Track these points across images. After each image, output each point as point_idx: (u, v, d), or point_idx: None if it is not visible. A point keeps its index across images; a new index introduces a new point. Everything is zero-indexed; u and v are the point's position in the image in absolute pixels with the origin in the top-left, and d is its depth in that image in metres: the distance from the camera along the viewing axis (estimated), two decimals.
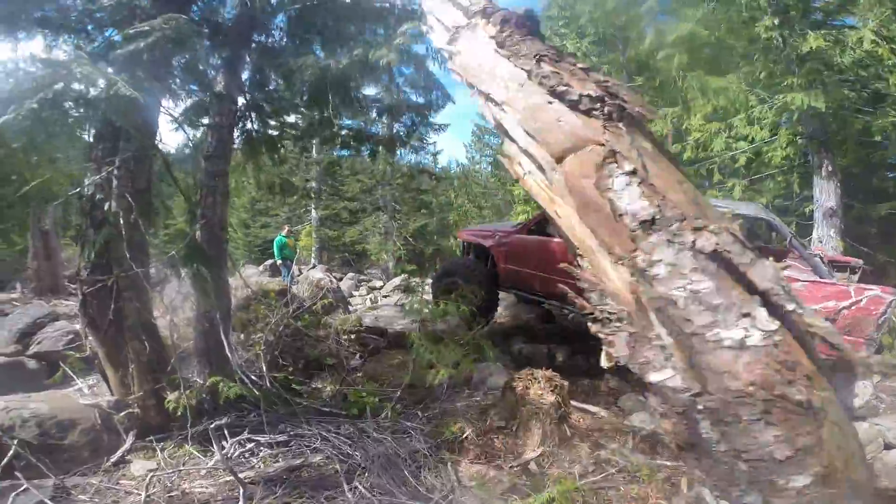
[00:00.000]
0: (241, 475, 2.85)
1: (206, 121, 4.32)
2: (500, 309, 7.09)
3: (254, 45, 4.35)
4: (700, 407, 0.98)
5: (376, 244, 20.78)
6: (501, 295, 6.77)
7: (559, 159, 1.19)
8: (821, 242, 7.86)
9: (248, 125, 4.67)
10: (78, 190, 3.36)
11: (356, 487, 2.92)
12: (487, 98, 1.37)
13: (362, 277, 18.11)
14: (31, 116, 2.63)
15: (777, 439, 0.92)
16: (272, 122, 4.88)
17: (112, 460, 3.13)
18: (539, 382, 3.81)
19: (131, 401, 3.39)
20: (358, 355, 5.73)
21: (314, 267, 15.89)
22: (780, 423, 0.92)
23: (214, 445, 3.05)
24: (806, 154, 8.70)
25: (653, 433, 4.09)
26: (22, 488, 2.64)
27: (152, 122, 3.53)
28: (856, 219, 9.02)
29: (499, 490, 3.17)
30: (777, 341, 0.95)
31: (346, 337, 5.76)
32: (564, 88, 1.19)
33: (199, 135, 4.52)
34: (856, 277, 4.08)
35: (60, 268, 8.88)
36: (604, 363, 1.15)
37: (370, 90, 5.25)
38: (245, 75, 4.40)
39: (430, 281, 8.47)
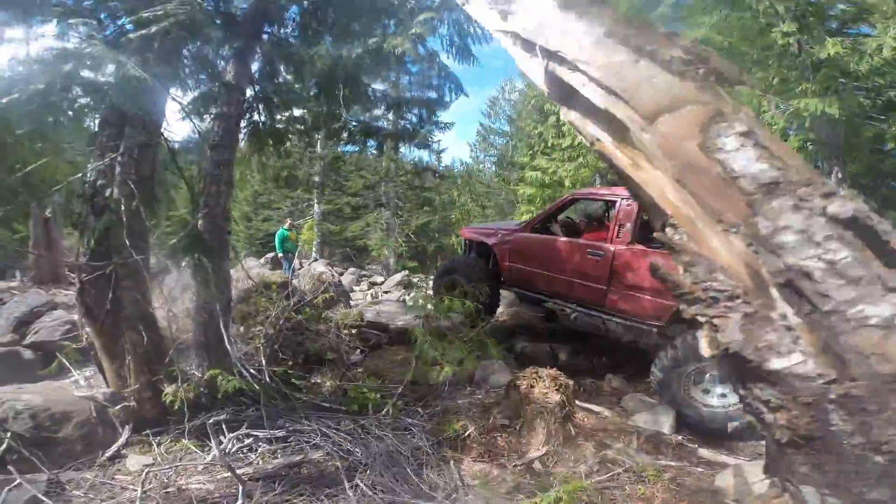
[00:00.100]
0: (239, 471, 2.78)
1: (213, 110, 4.26)
2: (500, 307, 7.03)
3: (265, 36, 4.29)
4: (832, 396, 0.87)
5: (378, 240, 20.74)
6: (502, 293, 6.70)
7: (650, 119, 1.08)
8: None
9: (256, 117, 4.61)
10: (80, 175, 3.29)
11: (357, 485, 2.85)
12: (552, 56, 1.26)
13: (363, 273, 18.10)
14: (37, 100, 2.57)
15: None
16: (280, 116, 4.83)
17: (107, 455, 3.06)
18: (544, 381, 3.74)
19: (127, 393, 3.32)
20: (359, 350, 5.67)
21: (316, 260, 15.85)
22: None
23: (212, 441, 2.98)
24: (816, 161, 8.60)
25: (656, 433, 4.06)
26: (14, 483, 2.56)
27: (160, 109, 3.46)
28: None
29: (503, 489, 3.11)
30: None
31: (346, 332, 5.70)
32: (652, 48, 1.09)
33: (205, 124, 4.46)
34: None
35: (61, 257, 8.82)
36: (706, 350, 1.00)
37: (380, 84, 5.20)
38: (255, 66, 4.34)
39: (431, 278, 8.40)
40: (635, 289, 4.71)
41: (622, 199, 4.99)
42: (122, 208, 3.15)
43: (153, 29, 2.91)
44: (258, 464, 3.07)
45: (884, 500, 0.86)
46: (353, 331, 5.77)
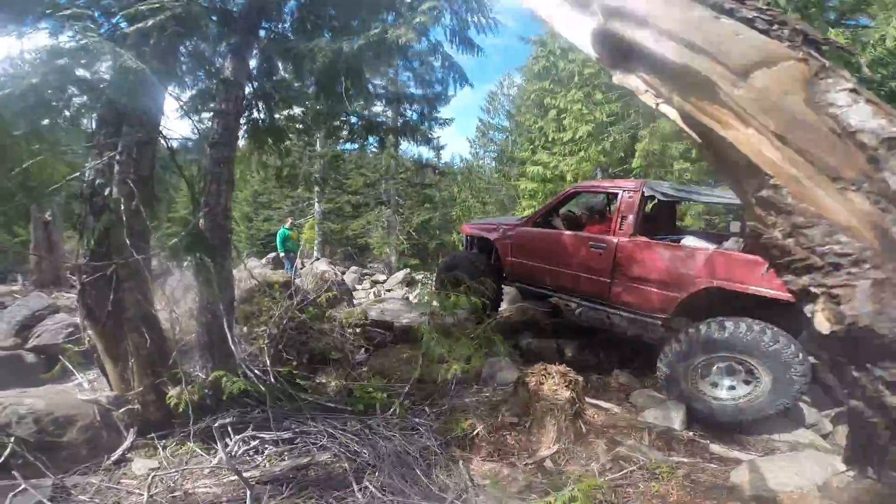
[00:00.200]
0: (246, 475, 2.73)
1: (212, 107, 4.20)
2: (503, 303, 6.98)
3: (263, 31, 4.22)
4: None
5: (379, 238, 20.70)
6: (504, 289, 6.65)
7: (743, 75, 1.02)
8: None
9: (255, 114, 4.55)
10: (77, 175, 3.24)
11: (366, 487, 2.80)
12: (612, 14, 1.19)
13: (365, 271, 18.07)
14: (31, 97, 2.52)
15: None
16: (279, 113, 4.77)
17: (112, 458, 3.01)
18: (553, 378, 3.69)
19: (131, 396, 3.27)
20: (363, 349, 5.62)
21: (318, 259, 15.82)
22: None
23: (218, 445, 2.94)
24: None
25: (667, 429, 4.02)
26: (20, 488, 2.52)
27: (158, 105, 3.41)
28: None
29: (514, 488, 3.07)
30: None
31: (351, 330, 5.65)
32: (731, 6, 1.03)
33: (204, 122, 4.41)
34: None
35: (62, 260, 8.79)
36: (823, 327, 0.88)
37: (380, 80, 5.13)
38: (253, 63, 4.29)
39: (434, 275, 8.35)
40: (639, 281, 4.67)
41: (624, 190, 4.94)
42: (122, 208, 3.09)
43: (149, 23, 2.86)
44: (265, 466, 3.03)
45: None
46: (358, 329, 5.72)
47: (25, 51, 2.74)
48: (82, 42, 2.55)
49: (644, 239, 4.71)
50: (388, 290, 13.12)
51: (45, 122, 2.97)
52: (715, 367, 4.15)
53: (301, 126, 5.17)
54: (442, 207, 23.38)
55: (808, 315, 0.94)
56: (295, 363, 4.60)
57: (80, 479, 2.80)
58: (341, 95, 4.13)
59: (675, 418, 4.15)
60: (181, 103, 3.94)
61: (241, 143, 4.62)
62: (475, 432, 3.57)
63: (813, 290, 0.91)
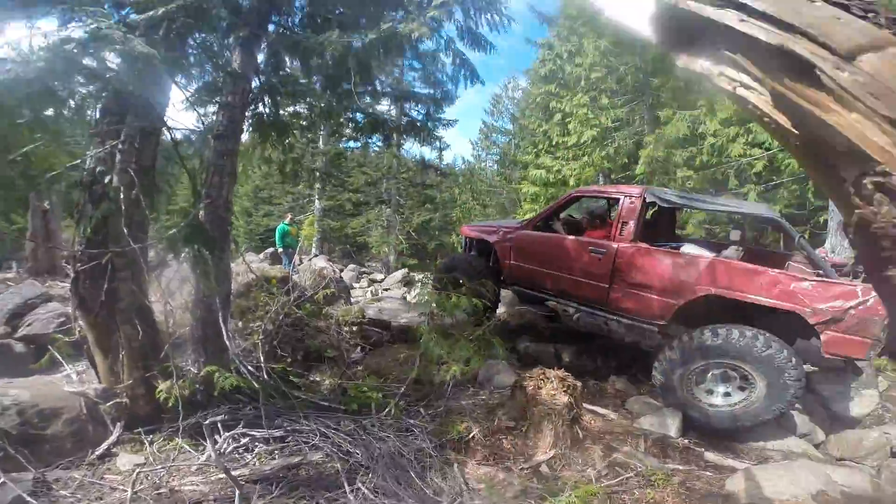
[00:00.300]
0: (235, 473, 2.66)
1: (217, 100, 4.15)
2: (500, 307, 6.91)
3: (272, 24, 4.18)
4: None
5: (378, 237, 20.63)
6: (501, 293, 6.59)
7: (849, 57, 0.98)
8: (833, 252, 7.67)
9: (261, 108, 4.50)
10: (78, 161, 3.17)
11: (358, 488, 2.73)
12: None
13: (363, 270, 18.02)
14: (37, 84, 2.45)
15: None
16: (285, 108, 4.72)
17: (97, 453, 2.93)
18: (552, 382, 3.63)
19: (120, 390, 3.19)
20: (359, 348, 5.56)
21: (316, 256, 15.76)
22: None
23: (207, 441, 2.87)
24: None
25: (663, 437, 3.98)
26: None
27: (164, 95, 3.35)
28: None
29: (509, 493, 3.01)
30: None
31: (347, 329, 5.59)
32: None
33: (210, 114, 4.36)
34: (858, 281, 4.01)
35: (58, 248, 8.70)
36: None
37: (386, 77, 5.08)
38: (261, 57, 4.24)
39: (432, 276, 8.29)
40: (638, 287, 4.64)
41: (625, 196, 4.90)
42: (122, 197, 3.03)
43: (159, 11, 2.80)
44: (255, 465, 2.95)
45: None
46: (354, 328, 5.66)
47: (32, 35, 2.68)
48: (92, 26, 2.49)
49: (644, 245, 4.67)
50: (386, 290, 13.06)
51: (50, 111, 2.91)
52: (710, 374, 4.16)
53: (305, 123, 5.11)
54: (442, 209, 23.31)
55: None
56: (289, 360, 4.54)
57: (63, 473, 2.73)
58: (349, 91, 4.07)
59: (671, 426, 4.14)
60: (187, 94, 3.89)
61: (245, 137, 4.57)
62: (471, 435, 3.51)
63: None
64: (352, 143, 15.05)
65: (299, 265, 9.96)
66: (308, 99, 4.72)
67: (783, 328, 3.93)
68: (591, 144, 13.33)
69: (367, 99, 5.11)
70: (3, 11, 2.79)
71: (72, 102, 3.01)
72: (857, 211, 0.99)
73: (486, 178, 26.93)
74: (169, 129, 3.41)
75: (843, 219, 1.03)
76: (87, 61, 2.74)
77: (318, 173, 17.67)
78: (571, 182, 13.46)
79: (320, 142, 17.45)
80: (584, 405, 4.12)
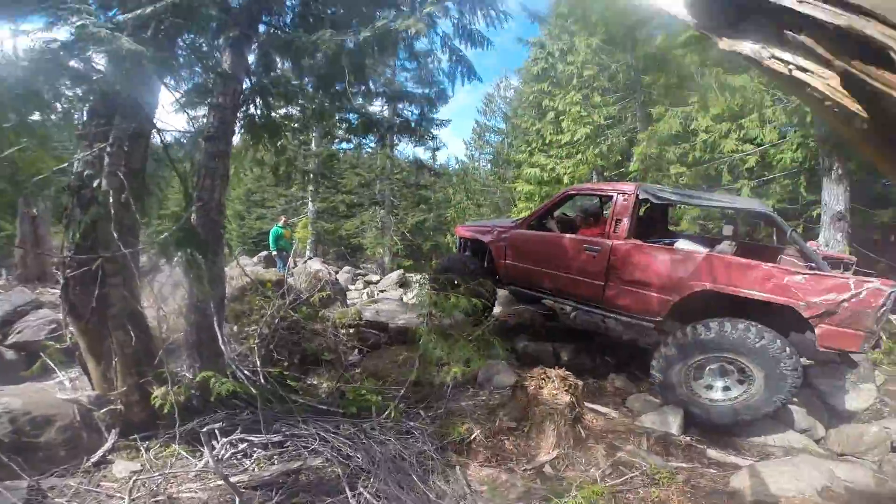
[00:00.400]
0: (233, 479, 2.61)
1: (208, 101, 4.09)
2: (496, 306, 6.89)
3: (263, 24, 4.12)
4: None
5: (373, 238, 20.55)
6: (497, 292, 6.56)
7: None
8: (826, 246, 7.73)
9: (252, 109, 4.44)
10: (65, 165, 3.10)
11: (360, 493, 2.68)
12: None
13: (358, 271, 17.94)
14: (21, 87, 2.39)
15: None
16: (277, 109, 4.66)
17: (92, 460, 2.86)
18: (553, 381, 3.61)
19: (114, 396, 3.13)
20: (357, 350, 5.50)
21: (311, 258, 15.67)
22: None
23: (205, 448, 2.81)
24: (817, 157, 8.54)
25: (665, 434, 3.97)
26: None
27: (153, 96, 3.28)
28: (859, 224, 8.88)
29: (513, 495, 2.98)
30: None
31: (344, 331, 5.53)
32: None
33: (200, 116, 4.29)
34: (849, 274, 4.04)
35: (48, 254, 8.57)
36: None
37: (379, 77, 5.03)
38: (252, 57, 4.19)
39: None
40: (633, 284, 4.65)
41: (619, 193, 4.90)
42: (111, 201, 2.96)
43: (147, 10, 2.74)
44: (254, 471, 2.89)
45: None
46: (352, 330, 5.60)
47: (17, 36, 2.61)
48: (79, 24, 2.43)
49: (638, 242, 4.67)
50: (382, 291, 13.00)
51: (36, 115, 2.85)
52: (707, 369, 4.17)
53: (301, 119, 5.05)
54: (437, 209, 23.26)
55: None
56: (286, 364, 4.48)
57: (58, 481, 2.67)
58: (342, 91, 4.02)
59: (673, 423, 4.14)
60: (177, 95, 3.83)
61: (237, 138, 4.51)
62: (472, 437, 3.47)
63: None
64: (345, 145, 15.00)
65: (294, 268, 9.89)
66: (300, 100, 4.67)
67: (778, 322, 3.95)
68: (585, 142, 13.34)
69: (360, 99, 5.06)
70: None
71: (58, 105, 2.95)
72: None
73: (480, 177, 26.88)
74: (159, 131, 3.35)
75: None
76: (73, 63, 2.68)
77: (311, 175, 17.54)
78: (565, 180, 13.46)
79: (313, 143, 17.35)
80: (586, 404, 4.10)
